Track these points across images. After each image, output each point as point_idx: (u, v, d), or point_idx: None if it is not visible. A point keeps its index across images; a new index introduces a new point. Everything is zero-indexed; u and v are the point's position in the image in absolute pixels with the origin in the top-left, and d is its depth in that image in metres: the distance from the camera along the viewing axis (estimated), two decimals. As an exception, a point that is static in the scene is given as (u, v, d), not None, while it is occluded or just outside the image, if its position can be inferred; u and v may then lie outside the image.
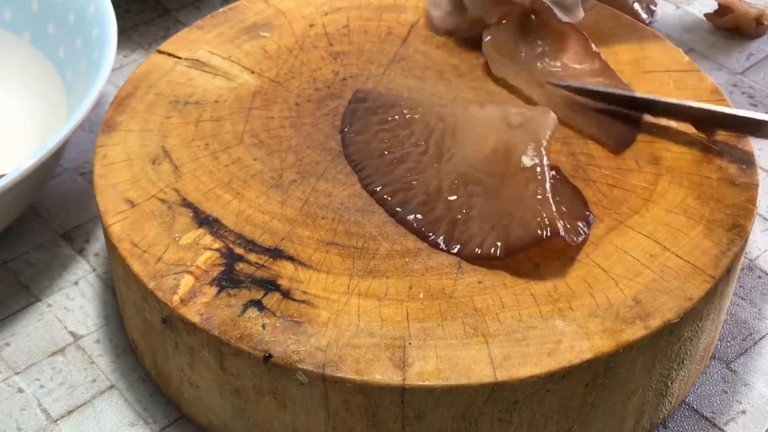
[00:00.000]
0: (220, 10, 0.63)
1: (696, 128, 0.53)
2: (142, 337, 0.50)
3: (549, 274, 0.46)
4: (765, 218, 0.61)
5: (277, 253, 0.48)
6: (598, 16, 0.62)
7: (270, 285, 0.46)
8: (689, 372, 0.49)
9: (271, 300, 0.45)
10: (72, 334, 0.54)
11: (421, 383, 0.42)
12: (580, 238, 0.47)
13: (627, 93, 0.55)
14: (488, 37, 0.58)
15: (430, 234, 0.48)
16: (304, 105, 0.56)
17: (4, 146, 0.63)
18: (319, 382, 0.43)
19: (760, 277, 0.57)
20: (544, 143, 0.49)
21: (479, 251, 0.47)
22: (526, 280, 0.46)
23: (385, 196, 0.49)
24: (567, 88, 0.55)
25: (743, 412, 0.51)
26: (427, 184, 0.50)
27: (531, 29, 0.58)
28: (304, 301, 0.45)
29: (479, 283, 0.46)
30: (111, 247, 0.49)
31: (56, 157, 0.56)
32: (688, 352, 0.48)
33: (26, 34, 0.66)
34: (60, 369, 0.52)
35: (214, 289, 0.46)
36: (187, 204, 0.50)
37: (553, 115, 0.50)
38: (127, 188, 0.51)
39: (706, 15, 0.76)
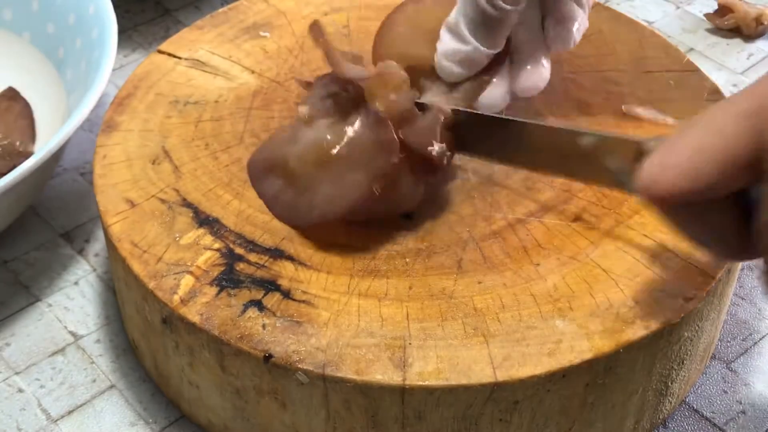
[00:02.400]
0: (220, 10, 0.63)
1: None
2: (142, 337, 0.50)
3: (549, 274, 0.46)
4: (765, 218, 0.61)
5: (277, 253, 0.48)
6: (599, 16, 0.62)
7: (270, 285, 0.46)
8: (689, 372, 0.49)
9: (272, 300, 0.45)
10: (72, 334, 0.54)
11: (421, 383, 0.42)
12: None
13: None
14: None
15: None
16: (304, 105, 0.56)
17: (4, 146, 0.63)
18: (319, 382, 0.43)
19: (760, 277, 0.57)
20: None
21: None
22: (526, 280, 0.46)
23: None
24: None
25: (743, 412, 0.51)
26: None
27: None
28: (304, 301, 0.45)
29: (479, 283, 0.46)
30: (111, 247, 0.49)
31: (56, 157, 0.56)
32: (688, 352, 0.48)
33: (26, 34, 0.66)
34: (60, 369, 0.52)
35: (214, 289, 0.46)
36: (187, 204, 0.50)
37: None
38: (127, 188, 0.51)
39: (706, 15, 0.76)
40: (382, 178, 0.46)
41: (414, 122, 0.48)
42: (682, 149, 0.36)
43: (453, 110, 0.49)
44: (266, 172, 0.49)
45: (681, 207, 0.37)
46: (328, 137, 0.48)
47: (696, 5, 0.78)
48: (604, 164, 0.44)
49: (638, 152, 0.41)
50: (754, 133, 0.34)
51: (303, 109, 0.49)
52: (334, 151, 0.47)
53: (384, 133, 0.47)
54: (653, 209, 0.39)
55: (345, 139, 0.47)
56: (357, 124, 0.48)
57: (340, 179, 0.47)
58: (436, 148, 0.47)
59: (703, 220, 0.37)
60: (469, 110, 0.50)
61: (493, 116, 0.49)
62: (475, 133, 0.49)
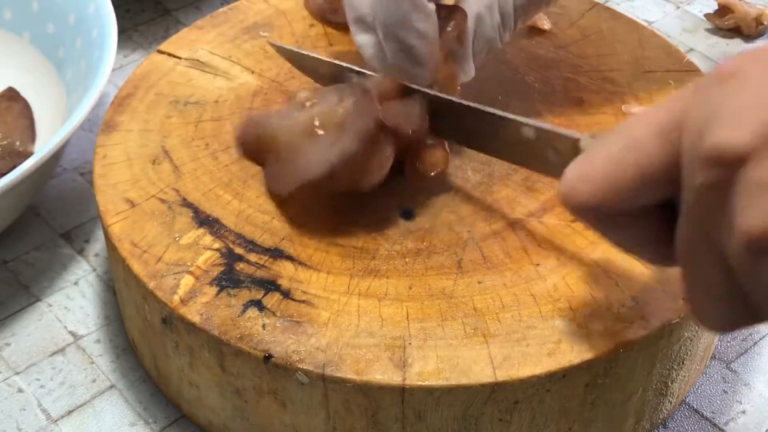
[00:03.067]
0: (220, 10, 0.63)
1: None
2: (142, 337, 0.50)
3: (549, 274, 0.46)
4: (765, 218, 0.61)
5: (277, 253, 0.48)
6: (599, 16, 0.62)
7: (270, 285, 0.46)
8: (689, 372, 0.49)
9: (271, 300, 0.45)
10: (72, 334, 0.54)
11: (421, 383, 0.42)
12: None
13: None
14: None
15: None
16: (304, 105, 0.56)
17: (4, 146, 0.63)
18: (319, 382, 0.43)
19: (760, 277, 0.57)
20: None
21: None
22: (526, 280, 0.46)
23: None
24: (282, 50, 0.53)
25: (743, 412, 0.51)
26: None
27: None
28: (304, 301, 0.45)
29: (479, 283, 0.46)
30: (111, 247, 0.49)
31: (56, 157, 0.56)
32: (688, 352, 0.47)
33: (26, 34, 0.66)
34: (60, 369, 0.52)
35: (214, 289, 0.46)
36: (187, 204, 0.50)
37: None
38: (127, 188, 0.51)
39: (706, 15, 0.76)
40: (359, 141, 0.46)
41: (396, 104, 0.49)
42: (600, 161, 0.36)
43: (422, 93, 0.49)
44: (259, 150, 0.50)
45: (601, 216, 0.37)
46: (319, 115, 0.48)
47: (696, 5, 0.78)
48: (546, 156, 0.44)
49: (575, 148, 0.42)
50: (670, 148, 0.34)
51: (302, 94, 0.49)
52: (321, 122, 0.48)
53: (366, 100, 0.47)
54: (575, 217, 0.39)
55: (332, 114, 0.48)
56: (346, 100, 0.48)
57: (321, 144, 0.47)
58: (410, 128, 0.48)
59: (625, 229, 0.37)
60: (432, 93, 0.49)
61: (451, 100, 0.49)
62: (440, 117, 0.49)
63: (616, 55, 0.59)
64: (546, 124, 0.45)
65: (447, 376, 0.42)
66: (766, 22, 0.74)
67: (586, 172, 0.36)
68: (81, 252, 0.59)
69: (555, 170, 0.42)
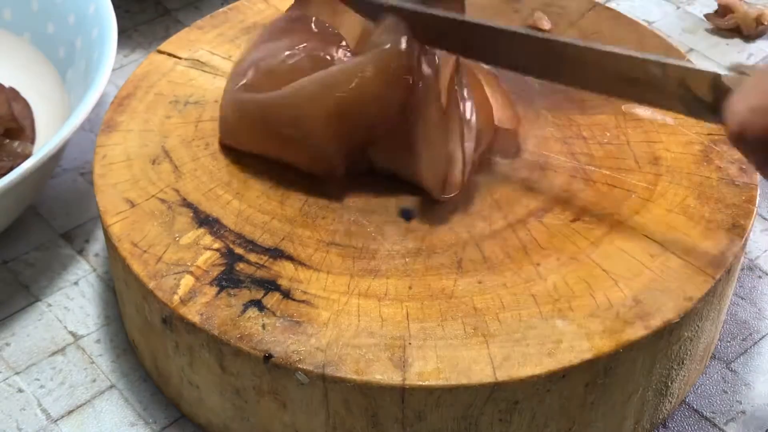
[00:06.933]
0: (220, 10, 0.63)
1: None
2: (142, 337, 0.50)
3: (549, 274, 0.46)
4: (765, 218, 0.61)
5: (277, 253, 0.48)
6: (599, 16, 0.62)
7: (270, 285, 0.46)
8: (689, 372, 0.49)
9: (271, 300, 0.45)
10: (72, 334, 0.54)
11: (421, 383, 0.42)
12: None
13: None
14: None
15: None
16: (304, 105, 0.56)
17: (4, 146, 0.63)
18: (319, 382, 0.43)
19: (760, 277, 0.57)
20: None
21: None
22: (526, 280, 0.46)
23: None
24: None
25: (743, 412, 0.51)
26: None
27: None
28: (304, 301, 0.45)
29: (479, 283, 0.46)
30: (111, 247, 0.49)
31: (56, 157, 0.56)
32: (688, 352, 0.48)
33: (26, 34, 0.66)
34: (60, 369, 0.52)
35: (214, 289, 0.46)
36: (187, 204, 0.50)
37: None
38: (127, 188, 0.51)
39: (706, 15, 0.76)
40: None
41: None
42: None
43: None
44: None
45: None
46: None
47: (696, 5, 0.78)
48: (670, 91, 0.44)
49: (716, 85, 0.42)
50: None
51: None
52: None
53: None
54: (738, 149, 0.40)
55: None
56: None
57: None
58: None
59: None
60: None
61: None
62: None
63: (616, 55, 0.59)
64: (675, 60, 0.44)
65: (447, 376, 0.42)
66: (766, 22, 0.74)
67: (762, 104, 0.36)
68: (81, 252, 0.59)
69: (675, 105, 0.43)
